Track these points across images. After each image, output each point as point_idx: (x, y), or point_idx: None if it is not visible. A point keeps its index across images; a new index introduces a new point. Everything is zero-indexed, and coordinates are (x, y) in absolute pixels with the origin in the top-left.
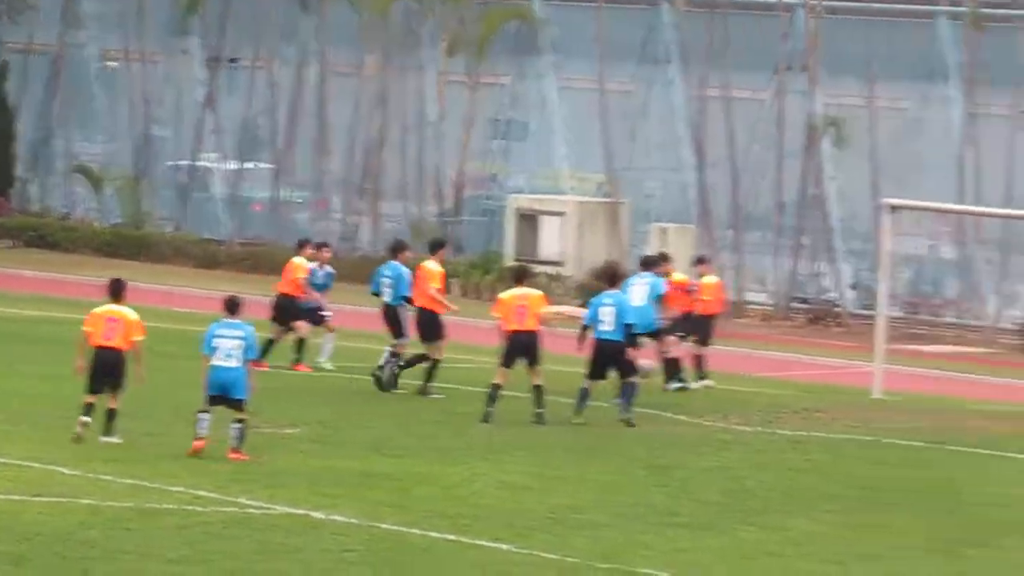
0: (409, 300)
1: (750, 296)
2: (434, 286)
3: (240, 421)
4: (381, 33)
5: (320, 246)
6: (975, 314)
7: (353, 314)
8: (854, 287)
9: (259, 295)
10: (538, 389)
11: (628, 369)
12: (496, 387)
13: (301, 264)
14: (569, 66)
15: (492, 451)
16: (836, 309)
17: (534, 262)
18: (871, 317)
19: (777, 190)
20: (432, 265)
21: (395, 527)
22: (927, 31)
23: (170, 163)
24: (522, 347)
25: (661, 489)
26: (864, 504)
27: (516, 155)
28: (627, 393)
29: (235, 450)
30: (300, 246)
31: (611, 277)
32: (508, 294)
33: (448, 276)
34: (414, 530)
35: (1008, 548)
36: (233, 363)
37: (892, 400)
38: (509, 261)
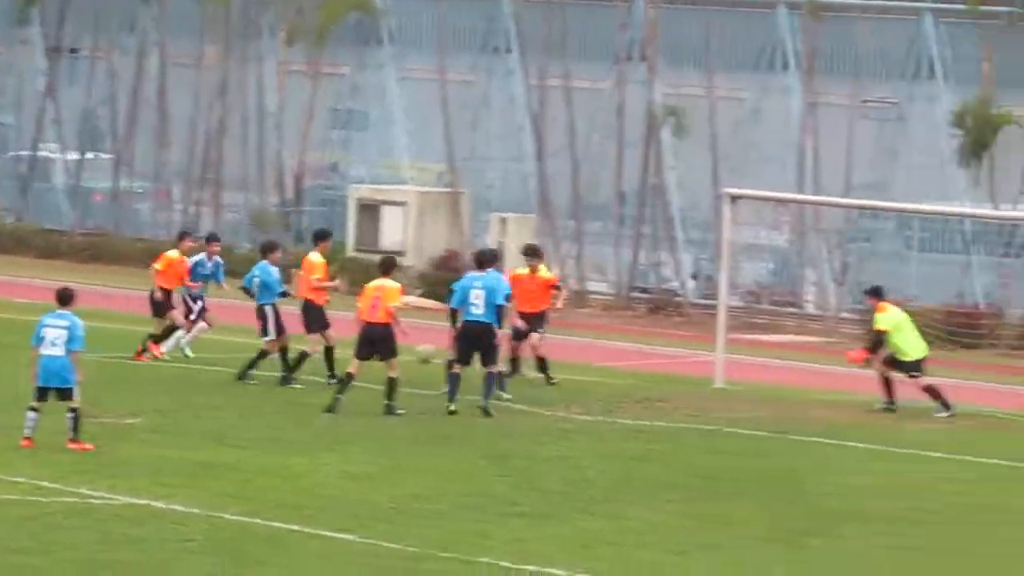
0: (284, 295)
1: (591, 286)
2: (316, 277)
3: (73, 411)
4: (221, 23)
5: (209, 239)
6: (816, 304)
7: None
8: (695, 277)
9: (99, 285)
10: (391, 381)
11: (492, 356)
12: (349, 376)
13: (175, 257)
14: (409, 57)
15: (337, 442)
16: (677, 299)
17: (375, 251)
18: (712, 307)
19: (617, 180)
20: (315, 256)
21: (237, 517)
22: (766, 21)
23: (12, 153)
24: (374, 339)
25: (502, 479)
26: (705, 494)
27: (357, 145)
28: (488, 383)
29: (73, 440)
30: (180, 238)
31: (480, 260)
32: (370, 284)
33: (289, 266)
34: (257, 520)
35: (848, 537)
36: (58, 352)
37: (733, 389)
38: (350, 251)
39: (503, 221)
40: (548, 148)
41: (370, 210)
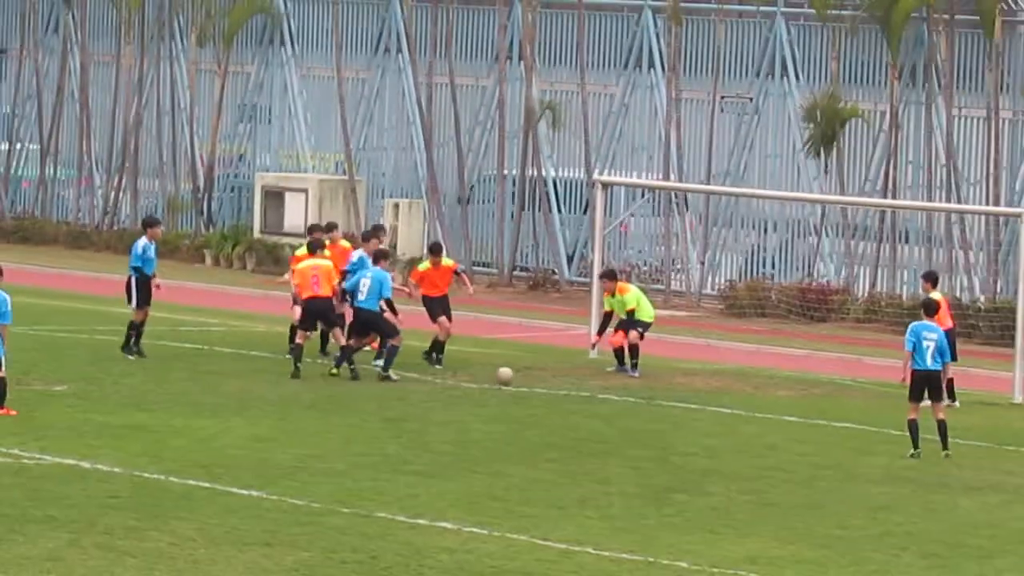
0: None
1: (476, 268)
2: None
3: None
4: (137, 25)
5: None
6: (681, 281)
7: (107, 282)
8: (571, 257)
9: (28, 264)
10: (344, 349)
11: (388, 331)
12: (298, 347)
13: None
14: (309, 56)
15: (243, 406)
16: (554, 277)
17: (280, 234)
18: (586, 284)
19: (499, 168)
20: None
21: (155, 475)
22: (634, 23)
23: None
24: (317, 313)
25: (396, 440)
26: (581, 454)
27: (261, 137)
28: (388, 355)
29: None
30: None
31: (376, 257)
32: (303, 264)
33: (201, 247)
34: (172, 478)
35: (711, 493)
36: None
37: (606, 360)
38: (257, 233)
39: (396, 206)
40: (436, 139)
41: (274, 196)
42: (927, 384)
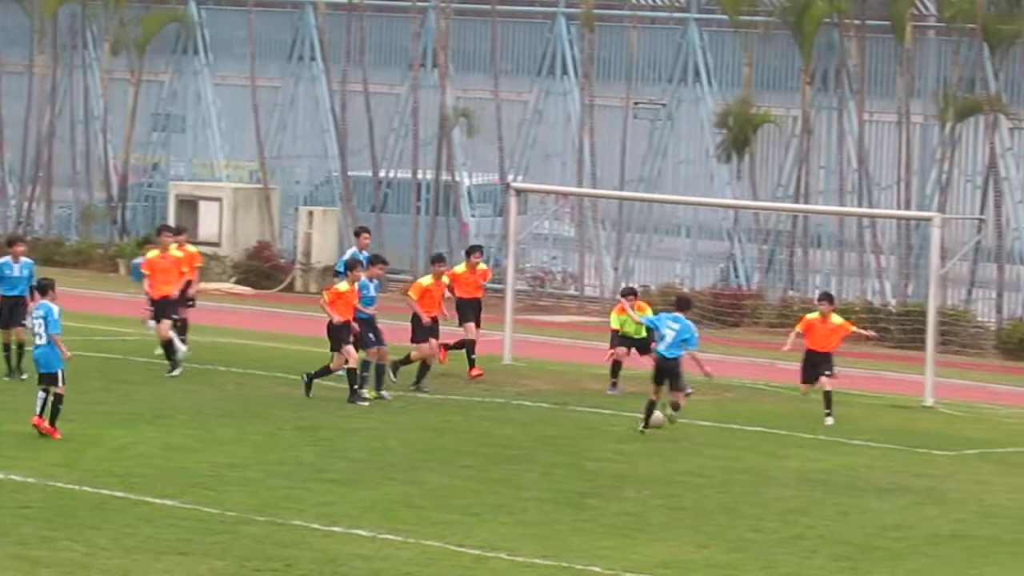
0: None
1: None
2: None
3: None
4: (50, 35)
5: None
6: (594, 287)
7: None
8: (486, 262)
9: None
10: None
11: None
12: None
13: None
14: (223, 64)
15: (158, 415)
16: None
17: (194, 243)
18: (500, 290)
19: (414, 176)
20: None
21: (69, 485)
22: (547, 30)
23: None
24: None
25: (311, 448)
26: (495, 460)
27: (176, 146)
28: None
29: None
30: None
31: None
32: (424, 281)
33: (114, 256)
34: (86, 487)
35: (624, 498)
36: None
37: (520, 365)
38: None
39: (310, 214)
40: (350, 147)
41: (189, 205)
42: (665, 370)
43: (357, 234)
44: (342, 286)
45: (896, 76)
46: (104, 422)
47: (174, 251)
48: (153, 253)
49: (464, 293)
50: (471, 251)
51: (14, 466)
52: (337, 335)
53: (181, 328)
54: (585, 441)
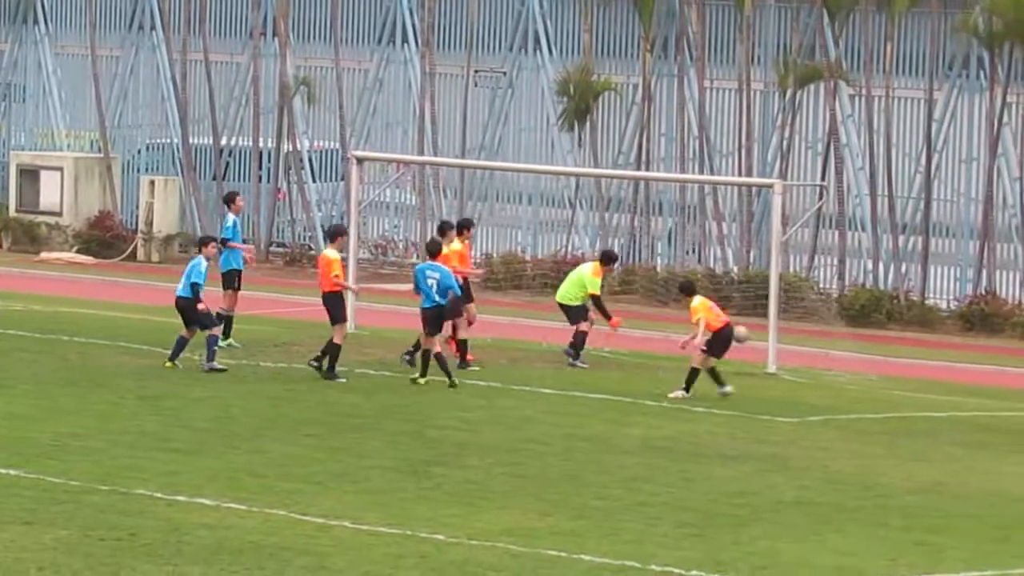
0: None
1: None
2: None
3: None
4: None
5: None
6: None
7: None
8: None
9: None
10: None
11: (202, 322)
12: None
13: None
14: (63, 34)
15: None
16: (311, 252)
17: (35, 212)
18: (343, 258)
19: (255, 145)
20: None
21: None
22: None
23: None
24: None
25: (154, 417)
26: (339, 429)
27: (16, 115)
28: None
29: None
30: None
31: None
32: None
33: None
34: None
35: (469, 467)
36: None
37: (362, 334)
38: (12, 212)
39: (152, 183)
40: (191, 116)
41: (30, 174)
42: (437, 317)
43: (231, 200)
44: (334, 253)
45: (736, 43)
46: None
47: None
48: None
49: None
50: (465, 226)
51: None
52: (338, 306)
53: None
54: (429, 409)
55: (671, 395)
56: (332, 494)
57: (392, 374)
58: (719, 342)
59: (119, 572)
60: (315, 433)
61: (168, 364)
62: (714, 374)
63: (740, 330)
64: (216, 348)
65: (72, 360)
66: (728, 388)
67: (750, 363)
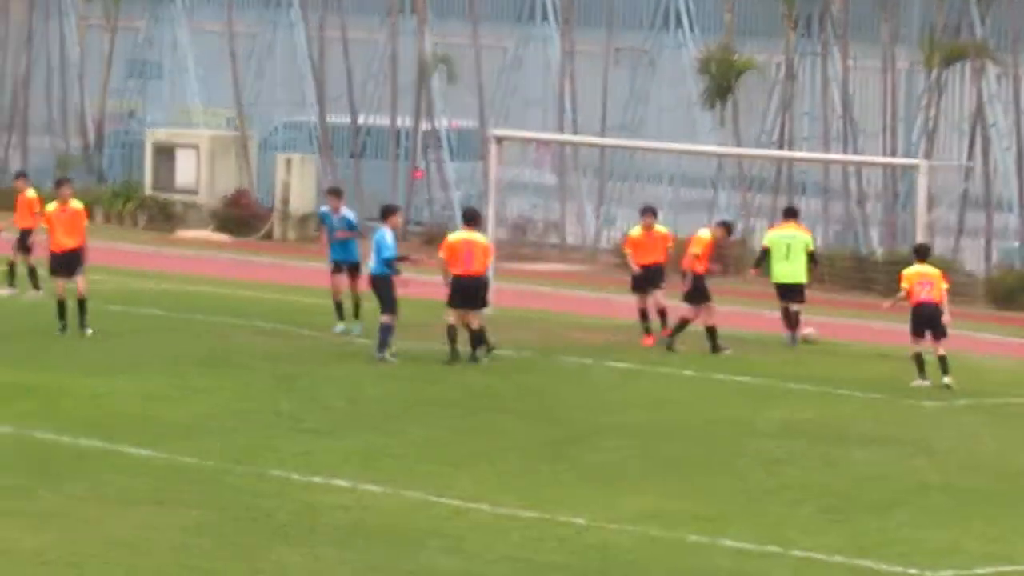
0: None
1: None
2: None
3: None
4: None
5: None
6: (576, 235)
7: None
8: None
9: None
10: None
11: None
12: (453, 328)
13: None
14: (200, 11)
15: (132, 365)
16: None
17: (171, 191)
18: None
19: (392, 123)
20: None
21: (46, 435)
22: None
23: None
24: (471, 289)
25: (288, 397)
26: (476, 410)
27: (152, 93)
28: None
29: None
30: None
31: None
32: (453, 237)
33: (92, 204)
34: (64, 438)
35: (606, 449)
36: None
37: (503, 315)
38: (148, 190)
39: (287, 161)
40: (328, 94)
41: (165, 152)
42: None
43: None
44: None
45: (880, 21)
46: (80, 371)
47: (74, 203)
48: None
49: (643, 259)
50: (646, 211)
51: None
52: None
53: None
54: (566, 390)
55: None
56: (468, 476)
57: (531, 354)
58: (916, 319)
59: (253, 553)
60: (451, 414)
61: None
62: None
63: (809, 331)
64: (389, 338)
65: (206, 340)
66: (947, 380)
67: (895, 346)
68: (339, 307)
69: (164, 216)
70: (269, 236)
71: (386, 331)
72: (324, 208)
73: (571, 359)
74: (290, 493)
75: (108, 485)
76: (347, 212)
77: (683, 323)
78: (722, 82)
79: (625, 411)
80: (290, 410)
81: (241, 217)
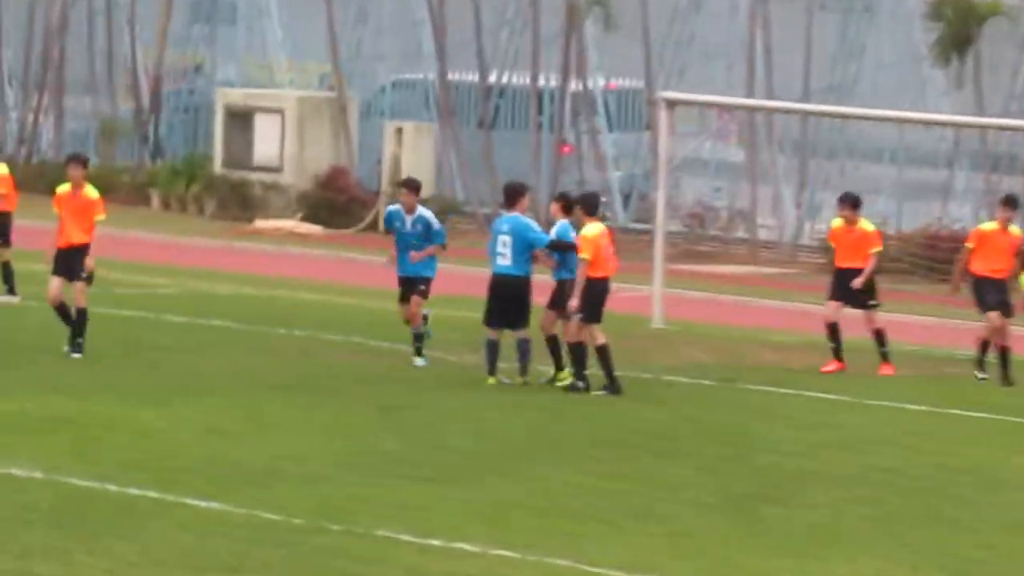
0: None
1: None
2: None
3: None
4: None
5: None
6: (770, 228)
7: (31, 231)
8: (627, 196)
9: None
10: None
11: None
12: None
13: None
14: None
15: (194, 391)
16: (606, 222)
17: (247, 168)
18: (647, 232)
19: (533, 83)
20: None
21: (85, 482)
22: None
23: None
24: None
25: (394, 435)
26: (638, 452)
27: (224, 42)
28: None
29: None
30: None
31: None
32: (593, 232)
33: (146, 185)
34: (109, 485)
35: (809, 505)
36: None
37: (673, 330)
38: (218, 168)
39: (399, 131)
40: (450, 45)
41: (241, 119)
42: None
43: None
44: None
45: None
46: (129, 400)
47: (89, 190)
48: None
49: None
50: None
51: (14, 456)
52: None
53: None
54: (757, 429)
55: None
56: (630, 538)
57: (711, 383)
58: None
59: None
60: (605, 458)
61: (491, 380)
62: None
63: None
64: (530, 356)
65: (291, 360)
66: None
67: None
68: (418, 337)
69: (238, 201)
70: (374, 227)
71: (528, 350)
72: (394, 206)
73: (760, 388)
74: (399, 559)
75: (166, 547)
76: (424, 212)
77: (983, 345)
78: (960, 31)
79: (833, 456)
80: (397, 451)
81: (337, 203)
